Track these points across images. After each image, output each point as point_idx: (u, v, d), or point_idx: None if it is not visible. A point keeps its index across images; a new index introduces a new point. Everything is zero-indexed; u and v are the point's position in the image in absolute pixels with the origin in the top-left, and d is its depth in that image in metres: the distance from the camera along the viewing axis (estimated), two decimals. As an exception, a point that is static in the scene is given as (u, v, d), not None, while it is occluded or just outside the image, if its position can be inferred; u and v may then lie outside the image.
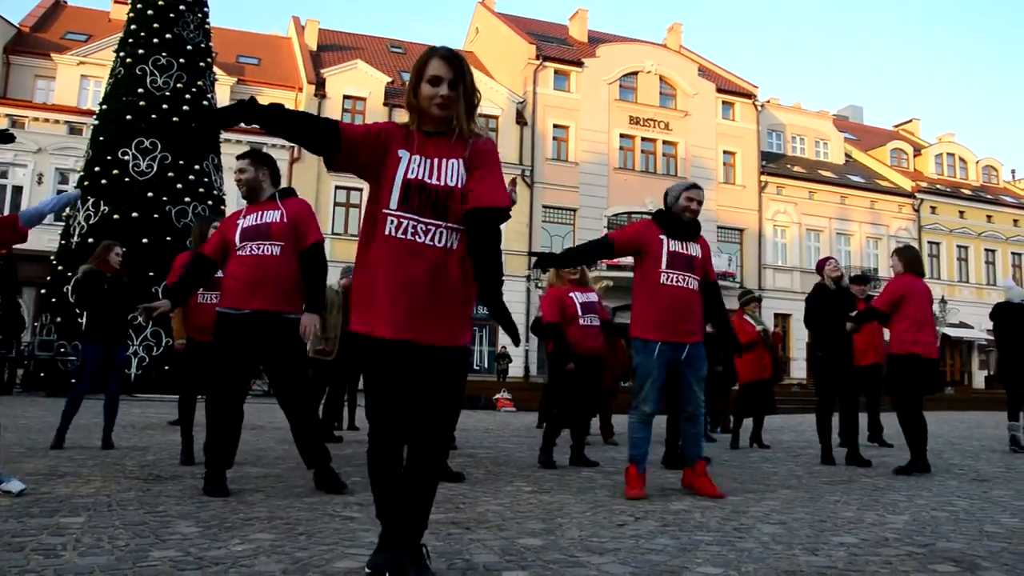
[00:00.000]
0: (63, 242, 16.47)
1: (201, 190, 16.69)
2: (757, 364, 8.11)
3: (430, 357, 2.43)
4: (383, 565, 2.36)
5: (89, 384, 6.29)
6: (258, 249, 4.18)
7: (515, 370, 26.66)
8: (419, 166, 2.46)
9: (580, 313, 6.07)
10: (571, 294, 6.11)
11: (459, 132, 2.52)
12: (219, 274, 5.57)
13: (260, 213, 4.29)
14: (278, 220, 4.24)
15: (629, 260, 4.72)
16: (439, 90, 2.48)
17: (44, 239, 21.31)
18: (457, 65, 2.50)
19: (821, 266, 6.99)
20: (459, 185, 2.46)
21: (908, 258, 6.36)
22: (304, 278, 4.26)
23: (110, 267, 6.49)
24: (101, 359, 6.36)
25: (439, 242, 2.43)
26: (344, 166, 2.48)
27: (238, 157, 4.49)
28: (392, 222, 2.42)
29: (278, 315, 4.16)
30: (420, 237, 2.41)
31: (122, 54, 17.21)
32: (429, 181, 2.45)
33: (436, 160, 2.48)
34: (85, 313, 6.60)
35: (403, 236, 2.41)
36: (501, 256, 2.52)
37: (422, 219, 2.42)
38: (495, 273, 2.46)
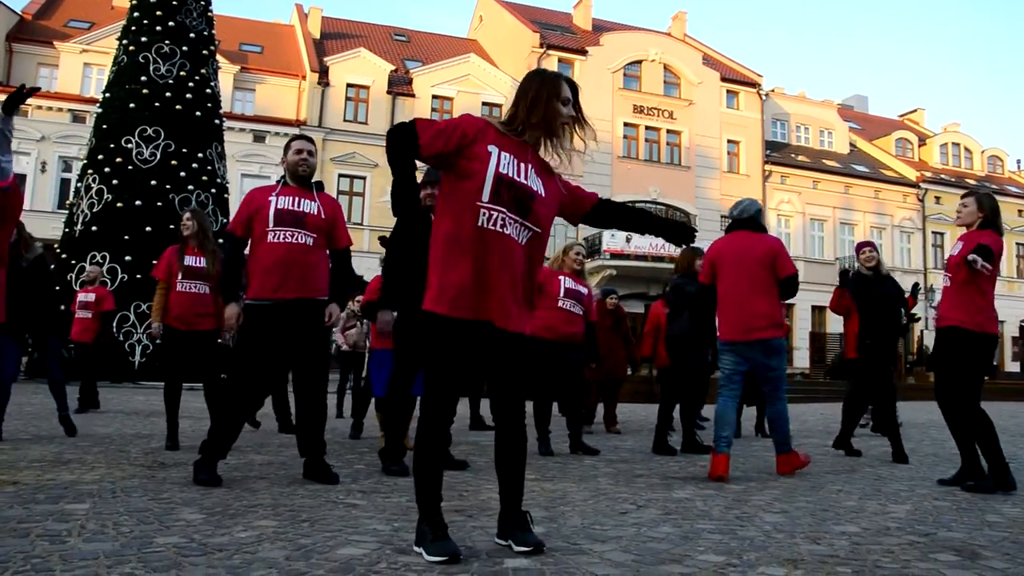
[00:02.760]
0: (67, 230, 16.49)
1: (204, 178, 16.70)
2: None
3: (506, 340, 2.70)
4: (455, 550, 2.53)
5: (11, 374, 5.86)
6: (291, 236, 4.09)
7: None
8: (509, 164, 2.69)
9: (561, 295, 6.05)
10: (559, 277, 6.11)
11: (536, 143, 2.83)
12: (196, 263, 5.57)
13: (295, 199, 4.19)
14: (315, 212, 4.21)
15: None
16: (569, 111, 2.82)
17: (48, 227, 21.35)
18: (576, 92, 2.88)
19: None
20: (540, 191, 2.76)
21: (991, 207, 4.97)
22: (334, 276, 4.32)
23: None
24: (16, 349, 5.98)
25: (517, 236, 2.70)
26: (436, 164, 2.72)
27: (300, 138, 4.37)
28: (484, 214, 2.64)
29: (311, 300, 4.15)
30: (507, 230, 2.66)
31: (125, 42, 17.19)
32: (518, 179, 2.69)
33: (523, 164, 2.74)
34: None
35: (493, 228, 2.64)
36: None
37: (509, 214, 2.66)
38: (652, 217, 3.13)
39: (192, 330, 5.55)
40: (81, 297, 8.90)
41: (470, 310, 2.63)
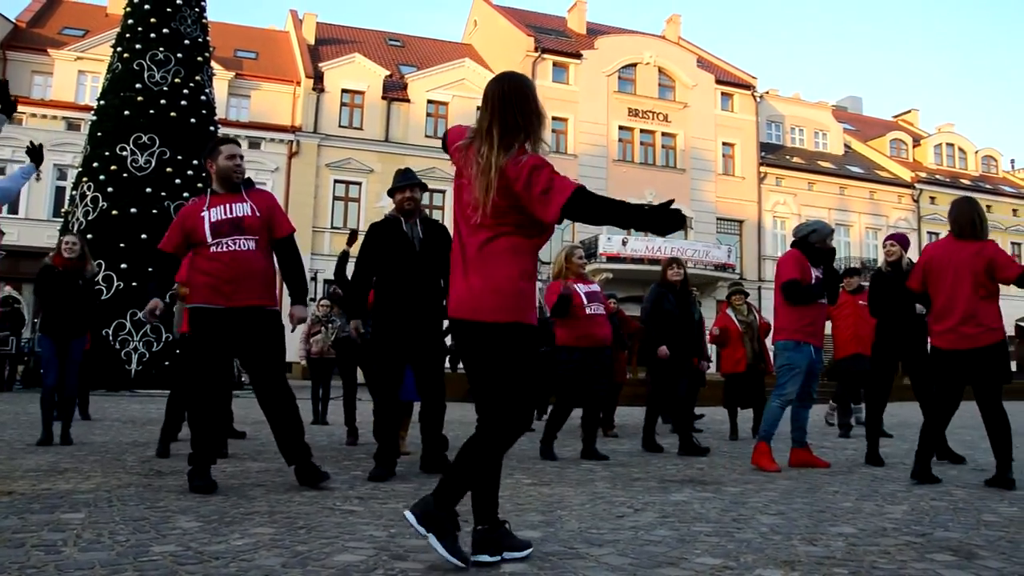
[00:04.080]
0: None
1: (199, 185, 16.62)
2: (731, 358, 8.38)
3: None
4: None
5: (54, 376, 6.19)
6: (234, 244, 4.07)
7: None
8: None
9: (585, 302, 6.05)
10: (575, 285, 6.10)
11: None
12: None
13: (227, 206, 4.15)
14: (250, 214, 4.16)
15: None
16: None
17: (43, 236, 21.34)
18: None
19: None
20: None
21: (954, 214, 5.15)
22: (283, 269, 4.27)
23: (62, 260, 6.23)
24: (54, 352, 6.22)
25: None
26: None
27: (230, 142, 4.32)
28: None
29: (260, 309, 4.13)
30: None
31: (119, 49, 17.15)
32: None
33: None
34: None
35: None
36: None
37: None
38: None
39: None
40: None
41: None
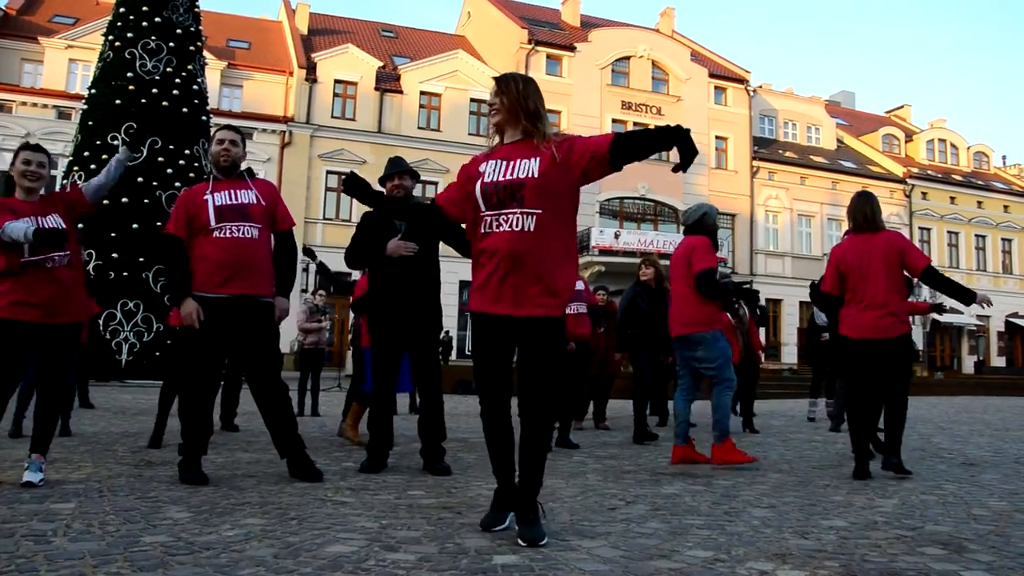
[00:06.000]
0: (52, 227, 16.34)
1: (191, 175, 16.57)
2: None
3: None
4: (489, 522, 2.97)
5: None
6: (237, 231, 4.04)
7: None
8: (495, 169, 2.97)
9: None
10: None
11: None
12: None
13: (232, 192, 4.13)
14: (255, 201, 4.15)
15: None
16: None
17: (33, 224, 21.09)
18: None
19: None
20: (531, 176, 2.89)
21: (848, 212, 5.31)
22: (277, 262, 4.24)
23: None
24: None
25: (517, 226, 2.87)
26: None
27: (224, 128, 4.32)
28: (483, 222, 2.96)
29: (257, 299, 4.10)
30: (503, 227, 2.88)
31: (111, 38, 17.03)
32: (503, 179, 2.93)
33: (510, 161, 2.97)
34: None
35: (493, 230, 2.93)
36: None
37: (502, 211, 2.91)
38: None
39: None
40: None
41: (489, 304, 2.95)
